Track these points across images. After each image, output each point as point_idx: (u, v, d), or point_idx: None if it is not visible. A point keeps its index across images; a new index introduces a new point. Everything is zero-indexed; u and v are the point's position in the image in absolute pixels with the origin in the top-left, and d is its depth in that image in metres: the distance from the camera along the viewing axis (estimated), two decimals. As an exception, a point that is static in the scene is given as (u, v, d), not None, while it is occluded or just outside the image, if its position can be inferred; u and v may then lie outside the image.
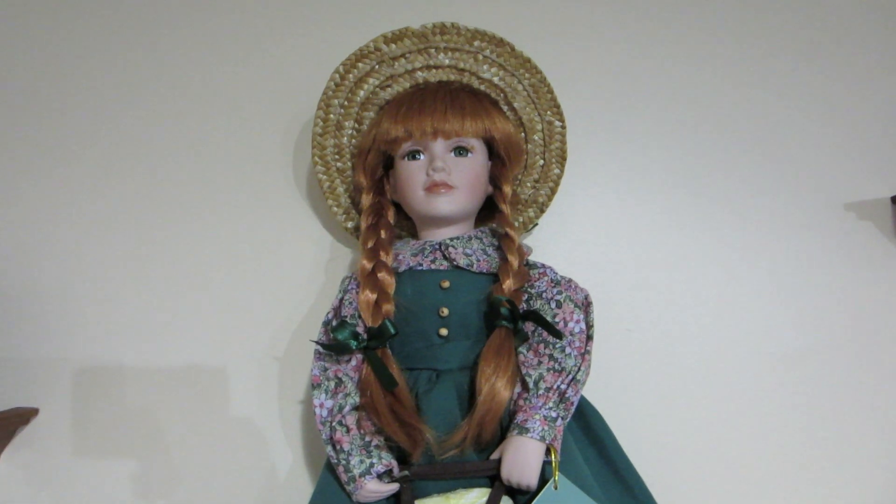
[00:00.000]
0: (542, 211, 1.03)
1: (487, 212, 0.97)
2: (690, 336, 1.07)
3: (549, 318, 0.85)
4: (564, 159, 1.00)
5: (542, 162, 1.01)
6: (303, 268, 1.10)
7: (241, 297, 1.09)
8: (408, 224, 1.01)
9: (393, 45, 0.95)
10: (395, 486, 0.82)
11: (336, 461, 0.83)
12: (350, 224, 1.04)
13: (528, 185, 1.02)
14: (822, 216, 1.10)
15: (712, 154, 1.10)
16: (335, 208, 1.03)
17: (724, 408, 1.05)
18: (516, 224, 0.99)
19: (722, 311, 1.08)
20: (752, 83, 1.12)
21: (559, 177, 1.01)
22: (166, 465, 1.06)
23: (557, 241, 1.08)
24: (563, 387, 0.82)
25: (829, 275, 1.08)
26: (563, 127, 0.99)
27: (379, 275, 0.88)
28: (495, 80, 0.96)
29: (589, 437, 0.90)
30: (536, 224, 1.04)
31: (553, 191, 1.02)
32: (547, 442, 0.78)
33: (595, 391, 0.93)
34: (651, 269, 1.08)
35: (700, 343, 1.07)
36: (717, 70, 1.12)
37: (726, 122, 1.11)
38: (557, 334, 0.82)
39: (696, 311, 1.07)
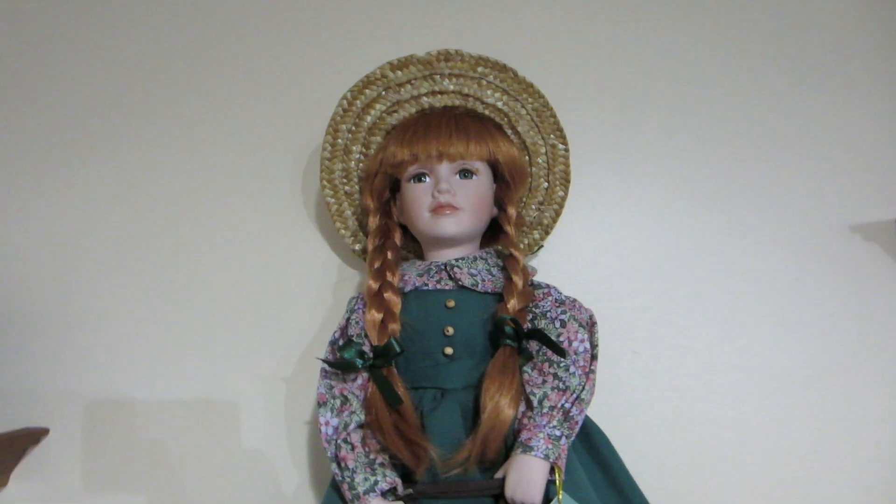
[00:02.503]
0: (547, 233, 1.05)
1: (492, 234, 0.99)
2: (696, 358, 1.07)
3: (553, 338, 0.85)
4: (568, 182, 1.02)
5: (546, 184, 1.02)
6: (311, 290, 1.11)
7: (250, 319, 1.11)
8: (414, 247, 1.02)
9: (399, 72, 0.98)
10: (399, 505, 0.82)
11: (341, 479, 0.83)
12: (357, 246, 1.06)
13: (533, 207, 1.03)
14: (828, 238, 1.10)
15: (717, 175, 1.11)
16: (343, 231, 1.05)
17: (730, 430, 1.04)
18: (521, 246, 1.00)
19: (727, 333, 1.07)
20: (757, 104, 1.12)
21: (563, 199, 1.03)
22: (175, 485, 1.07)
23: (562, 263, 1.09)
24: (567, 405, 0.82)
25: (835, 296, 1.08)
26: (567, 150, 1.01)
27: (385, 295, 0.89)
28: (499, 104, 0.98)
29: (594, 457, 0.90)
30: (542, 246, 1.05)
31: (557, 213, 1.03)
32: (551, 460, 0.78)
33: (600, 412, 0.93)
34: (656, 291, 1.09)
35: (705, 365, 1.06)
36: (720, 91, 1.13)
37: (731, 143, 1.12)
38: (561, 352, 0.82)
39: (701, 333, 1.07)
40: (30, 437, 1.07)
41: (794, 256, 1.09)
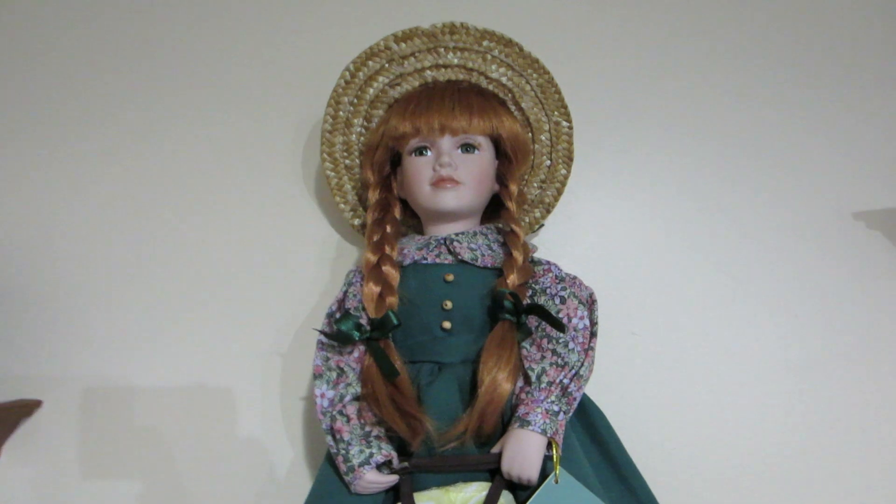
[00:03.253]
0: (549, 211, 1.04)
1: (493, 211, 0.98)
2: (695, 342, 1.06)
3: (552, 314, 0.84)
4: (571, 160, 1.01)
5: (548, 162, 1.01)
6: (308, 265, 1.10)
7: (246, 295, 1.10)
8: (414, 223, 1.01)
9: (403, 44, 0.96)
10: (394, 478, 0.81)
11: (335, 451, 0.82)
12: (357, 221, 1.04)
13: (535, 185, 1.02)
14: (831, 225, 1.10)
15: (721, 160, 1.11)
16: (342, 205, 1.04)
17: (728, 415, 1.04)
18: (522, 223, 0.99)
19: (728, 317, 1.07)
20: (762, 90, 1.12)
21: (566, 177, 1.02)
22: (169, 460, 1.06)
23: (563, 243, 1.08)
24: (565, 381, 0.81)
25: (836, 283, 1.08)
26: (571, 127, 1.00)
27: (383, 268, 0.88)
28: (503, 79, 0.97)
29: (592, 436, 0.89)
30: (542, 225, 1.05)
31: (559, 191, 1.02)
32: (548, 435, 0.77)
33: (598, 393, 0.92)
34: (657, 273, 1.08)
35: (705, 349, 1.06)
36: (727, 75, 1.12)
37: (735, 128, 1.11)
38: (561, 326, 0.81)
39: (701, 317, 1.07)
40: (23, 409, 1.06)
41: (796, 243, 1.09)
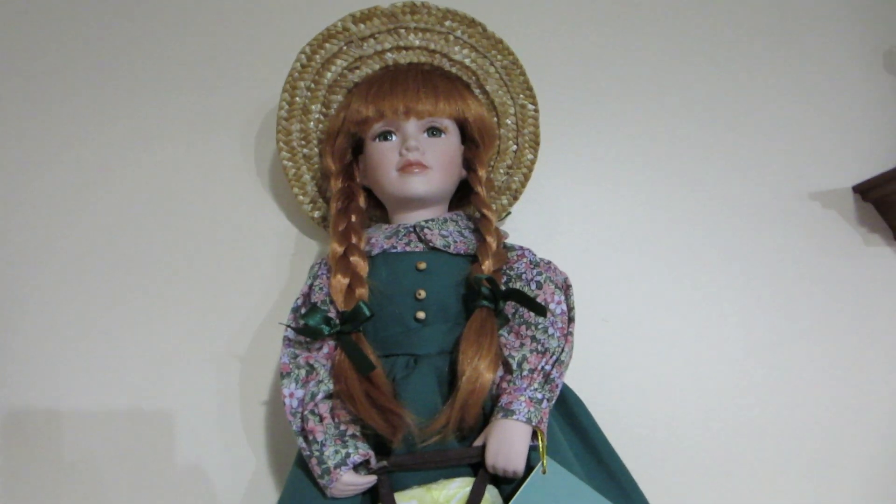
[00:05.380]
0: (516, 198, 1.01)
1: (459, 198, 0.95)
2: (665, 325, 1.06)
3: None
4: (538, 144, 0.99)
5: (514, 147, 0.99)
6: (266, 262, 1.04)
7: (199, 293, 1.03)
8: (377, 214, 0.97)
9: (362, 25, 0.92)
10: (371, 479, 0.76)
11: (308, 453, 0.77)
12: (317, 213, 0.99)
13: (502, 171, 1.00)
14: (788, 205, 1.12)
15: (684, 141, 1.11)
16: (301, 197, 0.99)
17: (700, 397, 1.03)
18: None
19: (694, 299, 1.07)
20: (720, 71, 1.14)
21: (532, 162, 0.99)
22: (114, 483, 0.97)
23: (531, 230, 1.05)
24: (547, 368, 0.78)
25: (797, 262, 1.09)
26: (536, 110, 0.98)
27: (351, 258, 0.84)
28: (466, 61, 0.94)
29: (571, 424, 0.86)
30: (510, 213, 1.02)
31: (526, 177, 1.00)
32: (533, 424, 0.74)
33: (570, 380, 0.90)
34: (625, 258, 1.07)
35: (674, 332, 1.05)
36: (688, 56, 1.13)
37: (698, 110, 1.12)
38: (541, 311, 0.79)
39: (669, 300, 1.06)
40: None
41: (758, 223, 1.10)
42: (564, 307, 0.84)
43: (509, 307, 0.83)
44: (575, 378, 0.90)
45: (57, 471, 0.97)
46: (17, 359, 1.00)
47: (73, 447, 0.98)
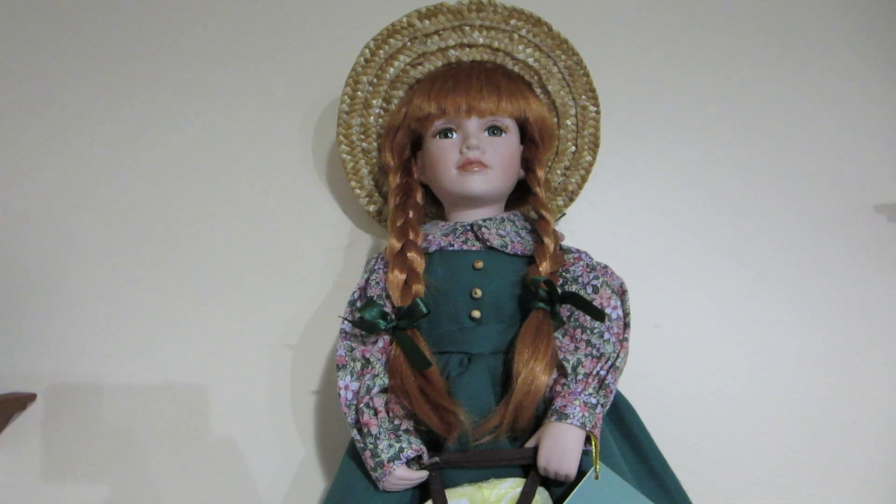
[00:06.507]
0: (572, 200, 1.01)
1: (517, 198, 0.94)
2: (717, 334, 1.04)
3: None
4: (597, 146, 0.98)
5: (573, 148, 0.98)
6: (320, 253, 1.06)
7: (255, 283, 1.05)
8: (434, 210, 0.97)
9: (427, 21, 0.92)
10: (423, 474, 0.77)
11: (362, 446, 0.78)
12: (373, 207, 1.00)
13: (559, 172, 0.99)
14: (853, 218, 1.08)
15: (744, 151, 1.09)
16: (358, 190, 0.99)
17: (752, 408, 1.02)
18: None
19: (750, 310, 1.05)
20: (785, 81, 1.11)
21: (591, 164, 0.98)
22: (169, 459, 1.01)
23: (585, 232, 1.04)
24: (602, 373, 0.78)
25: (858, 276, 1.06)
26: (598, 112, 0.96)
27: (408, 254, 0.84)
28: (530, 60, 0.93)
29: (623, 431, 0.85)
30: (564, 214, 1.01)
31: (584, 179, 0.99)
32: (587, 429, 0.74)
33: (620, 386, 0.89)
34: (679, 265, 1.06)
35: (727, 342, 1.04)
36: (751, 67, 1.11)
37: (759, 119, 1.10)
38: (599, 315, 0.78)
39: (723, 309, 1.05)
40: (16, 403, 1.00)
41: (819, 235, 1.08)
42: (620, 312, 0.83)
43: (564, 310, 0.83)
44: (624, 384, 0.90)
45: (126, 436, 1.01)
46: (93, 337, 1.04)
47: (122, 423, 1.02)
